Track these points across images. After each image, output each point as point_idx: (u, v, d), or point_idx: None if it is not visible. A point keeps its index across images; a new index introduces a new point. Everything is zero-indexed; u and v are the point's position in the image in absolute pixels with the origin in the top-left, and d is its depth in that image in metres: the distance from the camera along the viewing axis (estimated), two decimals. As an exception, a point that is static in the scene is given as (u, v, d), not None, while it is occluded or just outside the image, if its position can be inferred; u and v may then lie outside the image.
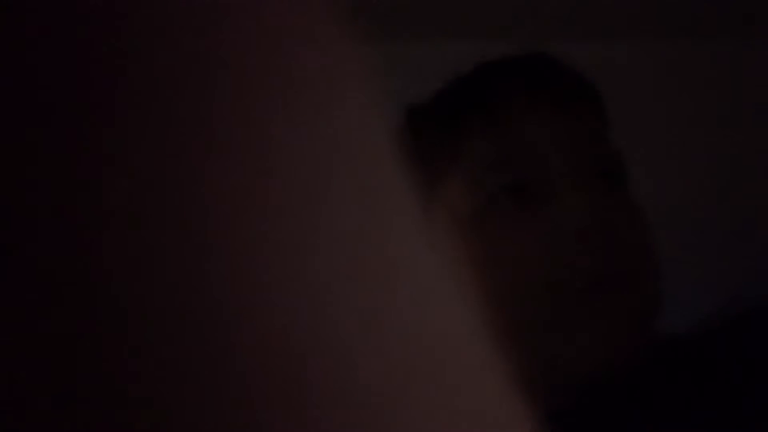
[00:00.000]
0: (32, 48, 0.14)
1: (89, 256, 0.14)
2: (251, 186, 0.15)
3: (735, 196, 1.45)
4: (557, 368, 0.92)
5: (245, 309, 0.15)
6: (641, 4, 1.36)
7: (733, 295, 1.04)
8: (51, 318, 0.14)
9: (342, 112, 0.17)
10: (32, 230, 0.14)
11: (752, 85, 1.43)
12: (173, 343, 0.14)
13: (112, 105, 0.15)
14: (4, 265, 0.14)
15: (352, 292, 0.16)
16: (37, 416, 0.14)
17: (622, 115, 1.01)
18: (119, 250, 0.14)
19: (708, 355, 0.95)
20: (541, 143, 0.94)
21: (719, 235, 1.42)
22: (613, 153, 0.98)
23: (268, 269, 0.15)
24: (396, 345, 0.16)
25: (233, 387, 0.15)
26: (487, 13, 1.35)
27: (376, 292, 0.16)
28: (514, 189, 0.94)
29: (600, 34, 1.41)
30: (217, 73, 0.15)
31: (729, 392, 0.91)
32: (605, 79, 1.01)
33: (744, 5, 1.36)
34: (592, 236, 0.91)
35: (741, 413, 0.89)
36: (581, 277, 0.90)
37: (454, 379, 0.17)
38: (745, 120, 1.46)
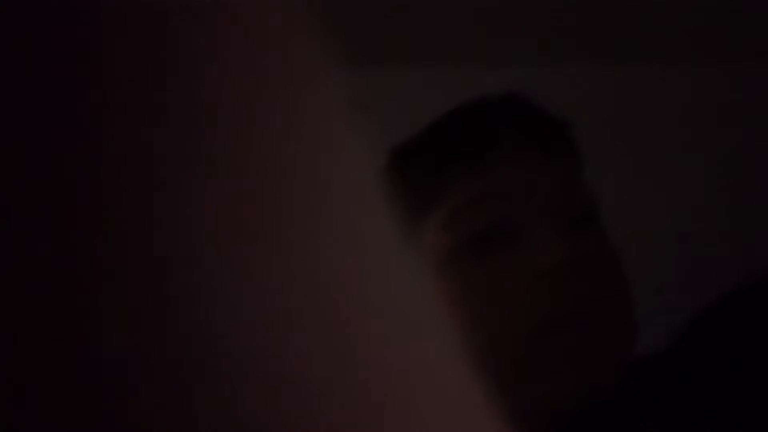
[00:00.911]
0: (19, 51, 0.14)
1: (87, 255, 0.14)
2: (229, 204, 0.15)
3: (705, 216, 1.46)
4: (536, 403, 0.95)
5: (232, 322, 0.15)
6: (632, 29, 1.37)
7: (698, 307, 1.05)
8: (51, 317, 0.14)
9: (325, 147, 0.16)
10: (30, 229, 0.14)
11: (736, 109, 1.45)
12: (167, 347, 0.14)
13: (103, 106, 0.15)
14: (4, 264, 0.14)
15: (325, 326, 0.16)
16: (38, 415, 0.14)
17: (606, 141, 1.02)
18: (111, 250, 0.14)
19: (685, 369, 0.97)
20: (516, 188, 0.98)
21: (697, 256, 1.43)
22: (586, 196, 1.01)
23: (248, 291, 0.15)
24: (369, 376, 0.16)
25: (225, 387, 0.15)
26: (475, 40, 1.36)
27: (352, 324, 0.16)
28: (486, 232, 0.97)
29: (587, 59, 1.42)
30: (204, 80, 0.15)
31: (709, 405, 0.93)
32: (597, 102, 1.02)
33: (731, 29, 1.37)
34: (560, 276, 0.94)
35: (723, 424, 0.91)
36: (549, 317, 0.93)
37: (430, 403, 0.17)
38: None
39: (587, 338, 0.94)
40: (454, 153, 1.00)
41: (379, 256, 0.17)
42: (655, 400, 0.95)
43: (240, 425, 0.15)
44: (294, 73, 0.16)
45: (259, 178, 0.16)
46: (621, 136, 1.01)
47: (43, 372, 0.14)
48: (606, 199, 1.02)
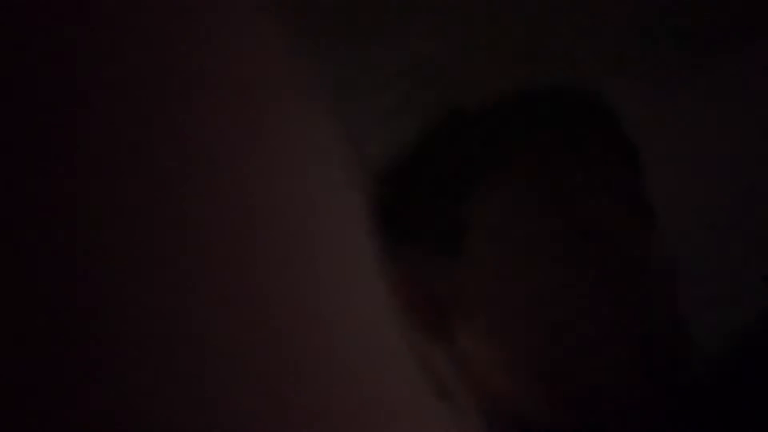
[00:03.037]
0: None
1: (86, 256, 0.14)
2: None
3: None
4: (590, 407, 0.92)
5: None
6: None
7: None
8: (56, 315, 0.14)
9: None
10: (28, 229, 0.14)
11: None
12: (167, 343, 0.14)
13: (90, 110, 0.15)
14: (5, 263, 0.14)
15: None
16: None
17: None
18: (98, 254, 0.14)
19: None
20: (589, 189, 0.94)
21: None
22: (647, 200, 0.99)
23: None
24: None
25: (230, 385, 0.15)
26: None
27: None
28: (563, 233, 0.93)
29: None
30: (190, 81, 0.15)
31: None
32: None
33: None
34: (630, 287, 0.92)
35: None
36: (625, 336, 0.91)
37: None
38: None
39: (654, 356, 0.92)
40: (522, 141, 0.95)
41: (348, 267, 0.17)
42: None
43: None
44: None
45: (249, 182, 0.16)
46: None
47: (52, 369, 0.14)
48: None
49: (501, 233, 0.93)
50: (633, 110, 1.44)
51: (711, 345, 1.00)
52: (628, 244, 0.94)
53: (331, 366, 0.16)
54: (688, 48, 1.37)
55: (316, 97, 0.17)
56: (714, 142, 1.45)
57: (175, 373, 0.15)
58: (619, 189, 0.96)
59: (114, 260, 0.15)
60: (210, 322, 0.15)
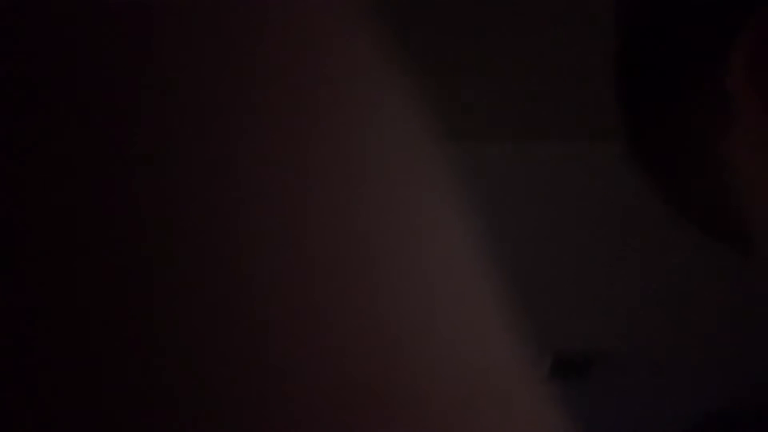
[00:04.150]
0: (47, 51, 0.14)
1: (105, 256, 0.14)
2: (274, 185, 0.15)
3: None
4: None
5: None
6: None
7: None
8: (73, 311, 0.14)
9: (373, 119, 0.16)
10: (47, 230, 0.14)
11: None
12: (180, 342, 0.14)
13: (129, 106, 0.15)
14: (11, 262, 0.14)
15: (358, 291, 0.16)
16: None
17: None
18: (134, 251, 0.14)
19: None
20: None
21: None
22: None
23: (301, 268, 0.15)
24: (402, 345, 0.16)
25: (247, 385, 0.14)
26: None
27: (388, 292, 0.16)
28: None
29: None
30: (240, 75, 0.16)
31: None
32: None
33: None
34: None
35: None
36: None
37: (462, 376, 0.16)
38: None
39: None
40: None
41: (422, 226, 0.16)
42: None
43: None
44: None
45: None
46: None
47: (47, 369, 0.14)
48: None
49: None
50: None
51: None
52: None
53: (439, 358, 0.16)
54: None
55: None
56: None
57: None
58: None
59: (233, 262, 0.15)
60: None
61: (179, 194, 0.15)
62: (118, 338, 0.14)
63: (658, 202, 0.58)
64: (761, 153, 0.54)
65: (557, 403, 0.17)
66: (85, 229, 0.14)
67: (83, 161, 0.14)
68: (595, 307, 2.24)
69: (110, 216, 0.14)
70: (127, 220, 0.14)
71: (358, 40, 0.17)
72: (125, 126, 0.15)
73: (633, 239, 1.98)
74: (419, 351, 0.16)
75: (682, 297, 2.06)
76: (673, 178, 0.60)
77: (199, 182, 0.15)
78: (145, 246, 0.14)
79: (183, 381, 0.14)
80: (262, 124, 0.15)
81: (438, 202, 0.17)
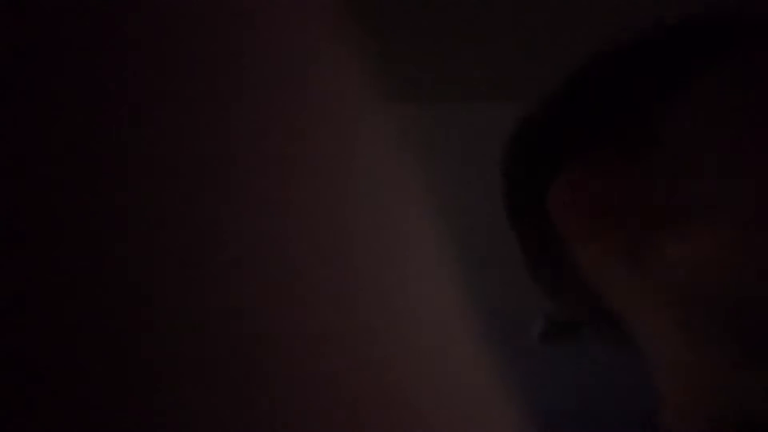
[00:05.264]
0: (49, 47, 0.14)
1: (104, 254, 0.14)
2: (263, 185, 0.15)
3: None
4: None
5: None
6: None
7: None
8: (70, 312, 0.14)
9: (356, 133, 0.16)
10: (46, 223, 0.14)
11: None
12: (178, 340, 0.14)
13: (125, 103, 0.15)
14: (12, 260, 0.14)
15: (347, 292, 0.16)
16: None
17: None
18: (129, 248, 0.14)
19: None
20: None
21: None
22: None
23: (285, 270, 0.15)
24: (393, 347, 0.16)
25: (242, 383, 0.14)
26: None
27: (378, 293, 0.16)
28: None
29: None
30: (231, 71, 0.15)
31: None
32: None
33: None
34: None
35: None
36: None
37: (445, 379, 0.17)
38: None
39: None
40: None
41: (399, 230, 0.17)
42: None
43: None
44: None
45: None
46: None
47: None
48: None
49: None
50: None
51: None
52: None
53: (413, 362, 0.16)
54: None
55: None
56: None
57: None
58: None
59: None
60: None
61: (165, 194, 0.15)
62: (112, 343, 0.14)
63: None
64: (595, 266, 0.77)
65: (551, 367, 0.18)
66: (84, 229, 0.14)
67: (81, 161, 0.14)
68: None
69: (110, 216, 0.14)
70: (122, 219, 0.14)
71: (344, 41, 0.17)
72: (115, 125, 0.14)
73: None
74: (397, 341, 0.16)
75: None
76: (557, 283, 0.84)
77: (187, 184, 0.15)
78: (132, 246, 0.14)
79: (168, 389, 0.14)
80: (250, 123, 0.15)
81: (419, 202, 0.18)
